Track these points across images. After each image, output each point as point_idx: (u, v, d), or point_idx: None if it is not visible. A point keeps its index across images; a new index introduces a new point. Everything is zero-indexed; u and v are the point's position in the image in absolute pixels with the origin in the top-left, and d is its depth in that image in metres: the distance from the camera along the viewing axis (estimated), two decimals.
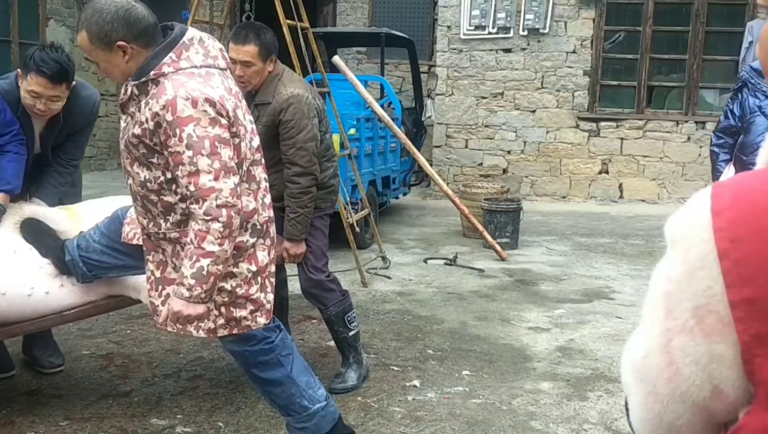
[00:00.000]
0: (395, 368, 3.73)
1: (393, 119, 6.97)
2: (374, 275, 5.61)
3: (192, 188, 2.16)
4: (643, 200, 9.45)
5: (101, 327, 4.21)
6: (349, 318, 3.48)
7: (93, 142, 10.68)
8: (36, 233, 2.99)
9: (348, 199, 5.68)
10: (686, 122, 9.28)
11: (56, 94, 3.03)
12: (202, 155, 2.14)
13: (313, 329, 4.30)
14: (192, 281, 2.19)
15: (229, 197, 2.17)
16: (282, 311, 3.60)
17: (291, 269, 3.54)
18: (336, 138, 4.54)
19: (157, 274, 2.47)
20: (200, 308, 2.25)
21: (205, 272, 2.18)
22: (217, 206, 2.15)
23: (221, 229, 2.16)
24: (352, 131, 6.60)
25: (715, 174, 3.95)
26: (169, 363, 3.74)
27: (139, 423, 3.05)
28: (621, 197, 9.54)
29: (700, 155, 9.05)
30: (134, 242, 2.72)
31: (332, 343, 3.68)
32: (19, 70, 3.07)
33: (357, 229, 5.68)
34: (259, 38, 3.12)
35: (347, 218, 5.47)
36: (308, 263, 3.35)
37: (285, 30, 4.95)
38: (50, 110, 3.08)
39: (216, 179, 2.15)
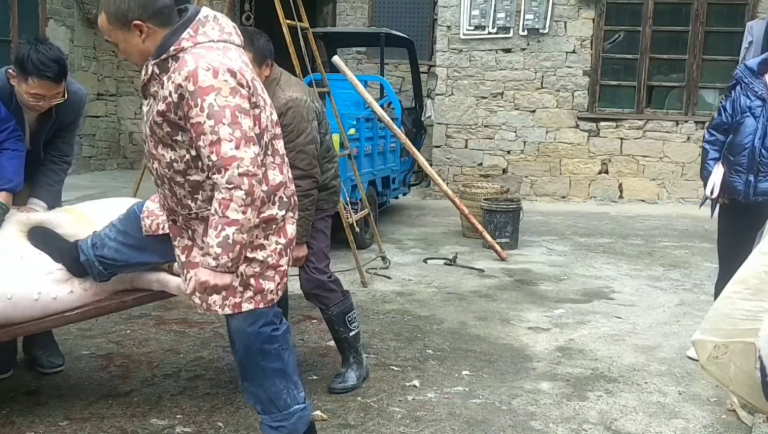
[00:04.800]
0: (395, 368, 3.74)
1: (393, 119, 6.97)
2: (374, 275, 5.61)
3: (214, 157, 2.19)
4: (643, 200, 9.46)
5: (101, 327, 4.21)
6: (349, 319, 3.48)
7: (93, 142, 10.69)
8: (45, 239, 3.00)
9: (348, 199, 5.68)
10: (686, 121, 9.29)
11: (58, 92, 3.11)
12: (223, 123, 2.18)
13: (313, 329, 4.30)
14: (218, 250, 2.21)
15: (250, 165, 2.19)
16: (282, 312, 3.60)
17: (291, 270, 3.53)
18: (336, 138, 4.54)
19: (183, 258, 2.51)
20: (227, 278, 2.27)
21: (230, 241, 2.20)
22: (239, 174, 2.18)
23: (244, 197, 2.19)
24: (352, 131, 6.60)
25: (704, 172, 3.94)
26: (169, 363, 3.74)
27: (139, 423, 3.05)
28: (621, 197, 9.54)
29: (699, 155, 9.02)
30: (160, 232, 2.74)
31: (332, 343, 3.69)
32: (11, 70, 3.06)
33: (357, 229, 5.68)
34: (252, 44, 3.12)
35: (347, 218, 5.47)
36: (310, 265, 3.35)
37: (285, 30, 4.95)
38: (51, 105, 3.14)
39: (237, 147, 2.18)
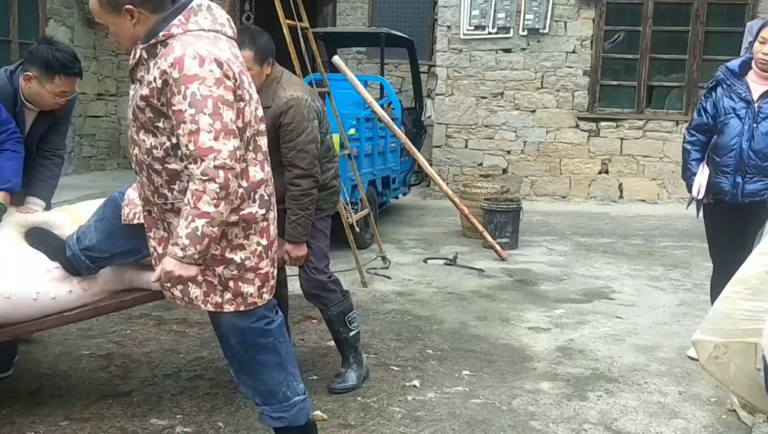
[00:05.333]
0: (395, 368, 3.74)
1: (393, 119, 6.97)
2: (374, 275, 5.61)
3: (192, 147, 2.16)
4: (643, 200, 9.46)
5: (101, 327, 4.21)
6: (349, 319, 3.48)
7: (93, 142, 10.68)
8: (41, 239, 3.01)
9: (348, 199, 5.68)
10: (686, 121, 9.24)
11: (75, 88, 3.22)
12: (204, 113, 2.15)
13: (313, 329, 4.30)
14: (186, 241, 2.18)
15: (227, 159, 2.16)
16: (282, 311, 3.60)
17: (291, 269, 3.54)
18: (336, 138, 4.54)
19: (160, 250, 2.49)
20: (192, 270, 2.24)
21: (199, 233, 2.17)
22: (215, 166, 2.15)
23: (217, 190, 2.15)
24: (352, 131, 6.60)
25: (686, 173, 3.94)
26: (169, 363, 3.74)
27: (139, 423, 3.05)
28: (621, 197, 9.54)
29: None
30: (135, 221, 2.73)
31: (332, 343, 3.68)
32: (29, 73, 3.12)
33: (357, 229, 5.68)
34: (254, 43, 3.12)
35: (347, 218, 5.46)
36: (310, 265, 3.35)
37: (285, 30, 4.95)
38: (67, 99, 3.26)
39: (216, 139, 2.15)
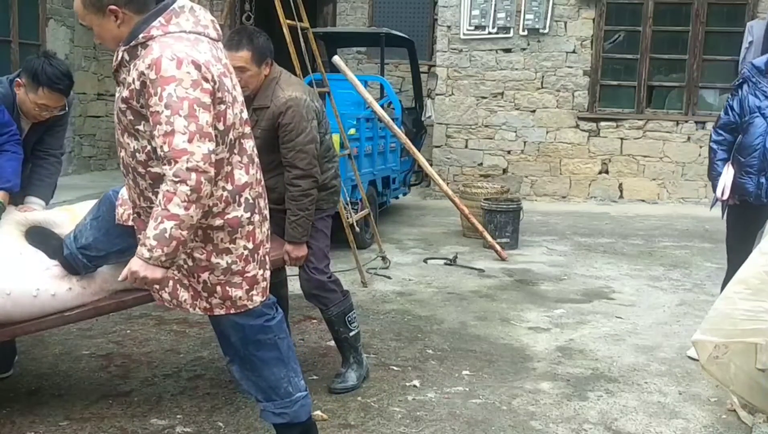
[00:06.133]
0: (395, 368, 3.74)
1: (393, 119, 6.97)
2: (374, 275, 5.61)
3: (166, 148, 2.14)
4: (643, 200, 9.46)
5: (101, 327, 4.21)
6: (349, 319, 3.48)
7: (93, 142, 10.68)
8: (41, 237, 3.01)
9: (348, 199, 5.68)
10: (686, 122, 9.29)
11: (62, 104, 3.25)
12: (180, 115, 2.13)
13: (313, 329, 4.30)
14: (153, 243, 2.14)
15: (200, 161, 2.13)
16: (282, 311, 3.60)
17: (291, 270, 3.54)
18: (336, 138, 4.54)
19: None
20: (158, 273, 2.19)
21: (167, 235, 2.13)
22: (187, 169, 2.12)
23: (188, 192, 2.12)
24: (352, 131, 6.60)
25: (712, 172, 3.91)
26: (169, 363, 3.74)
27: (139, 423, 3.05)
28: (621, 197, 9.54)
29: (700, 155, 9.04)
30: (129, 222, 2.73)
31: (332, 343, 3.68)
32: (19, 80, 3.19)
33: (357, 229, 5.68)
34: (252, 43, 3.11)
35: (347, 218, 5.46)
36: (310, 265, 3.34)
37: (285, 30, 4.95)
38: (52, 116, 3.29)
39: (190, 141, 2.13)
